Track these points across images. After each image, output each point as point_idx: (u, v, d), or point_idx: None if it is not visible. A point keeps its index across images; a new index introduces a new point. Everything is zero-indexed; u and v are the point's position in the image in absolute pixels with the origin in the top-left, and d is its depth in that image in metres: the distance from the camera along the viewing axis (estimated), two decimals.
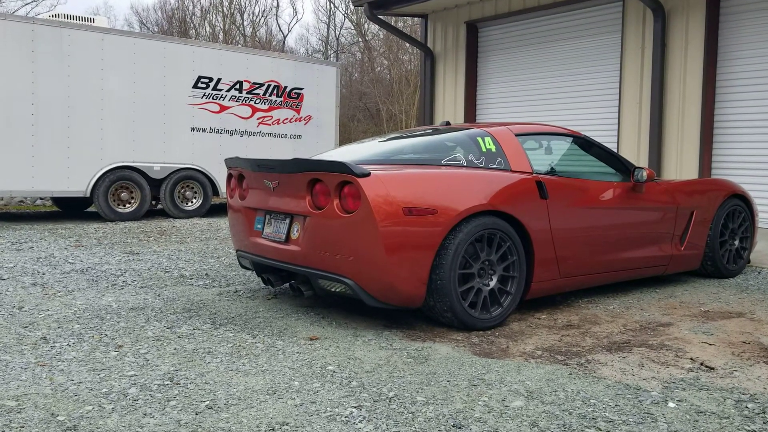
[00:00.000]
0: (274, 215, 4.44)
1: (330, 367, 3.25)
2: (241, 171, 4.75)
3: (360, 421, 2.61)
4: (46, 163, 9.56)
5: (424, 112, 14.04)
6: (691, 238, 5.54)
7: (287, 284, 4.39)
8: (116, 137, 10.22)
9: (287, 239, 4.28)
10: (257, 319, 4.23)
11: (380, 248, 3.77)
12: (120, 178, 10.21)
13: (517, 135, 4.77)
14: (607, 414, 2.76)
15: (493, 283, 4.22)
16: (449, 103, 13.38)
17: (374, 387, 2.99)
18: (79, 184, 9.87)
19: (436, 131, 4.98)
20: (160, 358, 3.34)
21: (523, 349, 3.72)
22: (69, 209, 11.66)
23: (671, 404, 2.89)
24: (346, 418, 2.63)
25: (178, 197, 10.83)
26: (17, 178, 9.39)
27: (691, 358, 3.59)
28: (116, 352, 3.44)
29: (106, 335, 3.75)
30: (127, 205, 10.37)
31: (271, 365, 3.26)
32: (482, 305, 4.15)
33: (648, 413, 2.79)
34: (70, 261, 6.21)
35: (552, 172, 5.05)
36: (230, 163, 4.86)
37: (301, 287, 4.25)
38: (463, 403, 2.84)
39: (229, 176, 4.94)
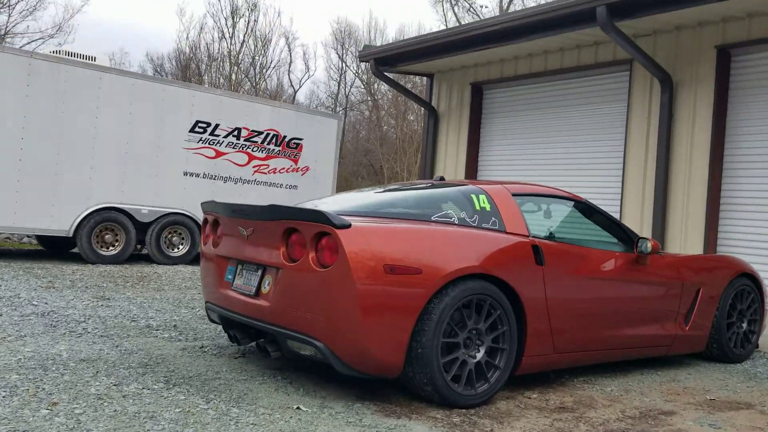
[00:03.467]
0: (246, 266, 4.08)
1: None
2: (216, 216, 4.42)
3: None
4: (30, 199, 9.26)
5: (425, 170, 13.82)
6: (697, 318, 5.16)
7: (255, 343, 4.02)
8: (106, 177, 9.94)
9: (257, 293, 3.91)
10: (217, 380, 3.82)
11: (356, 308, 3.40)
12: (105, 219, 9.88)
13: (514, 195, 4.45)
14: None
15: (480, 355, 3.82)
16: (450, 162, 13.17)
17: None
18: (62, 224, 9.54)
19: (431, 186, 4.67)
20: (95, 421, 2.93)
21: None
22: (54, 248, 11.30)
23: None
24: None
25: (165, 242, 10.48)
26: (6, 216, 9.08)
27: None
28: (47, 411, 3.03)
29: (43, 389, 3.35)
30: (111, 248, 10.01)
31: None
32: (467, 380, 3.75)
33: None
34: (34, 303, 5.82)
35: (550, 236, 4.72)
36: (206, 207, 4.53)
37: (268, 347, 3.85)
38: None
39: (205, 221, 4.61)
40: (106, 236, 9.96)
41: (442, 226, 3.97)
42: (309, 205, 4.36)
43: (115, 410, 3.09)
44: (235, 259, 4.19)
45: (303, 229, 3.63)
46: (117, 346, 4.45)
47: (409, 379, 3.67)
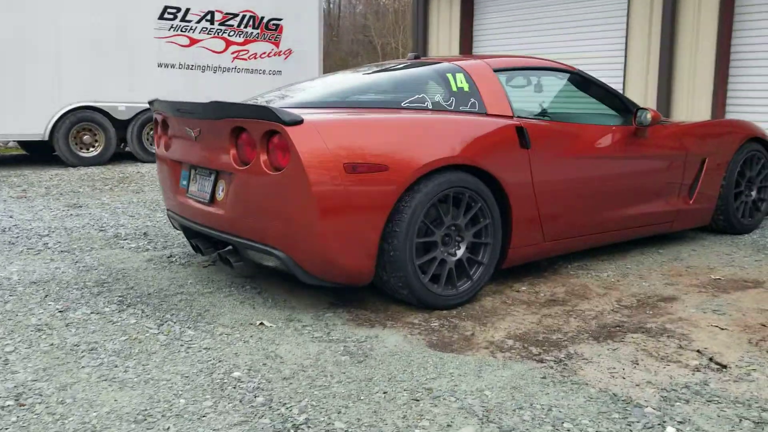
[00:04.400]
0: (199, 170, 3.69)
1: (236, 373, 2.56)
2: (164, 116, 3.98)
3: None
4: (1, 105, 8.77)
5: (417, 45, 13.06)
6: (702, 190, 4.77)
7: (217, 253, 3.71)
8: (75, 75, 9.36)
9: (212, 200, 3.55)
10: (179, 295, 3.54)
11: (315, 214, 3.04)
12: (81, 120, 9.41)
13: (496, 71, 3.95)
14: None
15: (460, 253, 3.49)
16: (443, 35, 12.41)
17: (284, 405, 2.31)
18: (36, 127, 9.09)
19: (404, 66, 4.16)
20: (26, 359, 2.65)
21: (491, 338, 3.03)
22: (37, 153, 10.91)
23: (669, 430, 2.20)
24: None
25: (147, 139, 10.05)
26: None
27: (698, 350, 2.89)
28: None
29: None
30: (91, 149, 9.61)
31: (160, 371, 2.57)
32: (447, 279, 3.44)
33: None
34: None
35: (539, 115, 4.28)
36: (153, 106, 4.08)
37: (229, 258, 3.53)
38: (395, 431, 2.16)
39: (155, 121, 4.17)
40: (85, 137, 9.53)
41: (413, 113, 3.52)
42: (267, 98, 3.90)
43: (51, 344, 2.81)
44: (187, 163, 3.79)
45: (251, 128, 3.21)
46: (76, 262, 4.16)
47: (384, 283, 3.37)
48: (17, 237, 4.79)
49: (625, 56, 9.14)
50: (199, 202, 3.63)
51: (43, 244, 4.59)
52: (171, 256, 4.37)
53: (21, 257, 4.26)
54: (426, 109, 3.62)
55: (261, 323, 3.13)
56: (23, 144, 11.09)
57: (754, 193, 5.20)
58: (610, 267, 4.26)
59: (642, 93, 9.15)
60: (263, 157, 3.17)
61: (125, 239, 4.81)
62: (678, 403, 2.39)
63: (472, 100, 3.75)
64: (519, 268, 4.08)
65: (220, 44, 10.56)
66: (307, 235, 3.10)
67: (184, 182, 3.82)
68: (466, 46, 12.03)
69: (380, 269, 3.30)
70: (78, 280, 3.76)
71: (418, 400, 2.36)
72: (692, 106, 8.57)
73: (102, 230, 5.09)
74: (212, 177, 3.55)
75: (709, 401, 2.41)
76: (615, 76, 9.34)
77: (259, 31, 10.99)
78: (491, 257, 3.59)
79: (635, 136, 4.32)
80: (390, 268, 3.26)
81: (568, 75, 4.36)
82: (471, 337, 3.04)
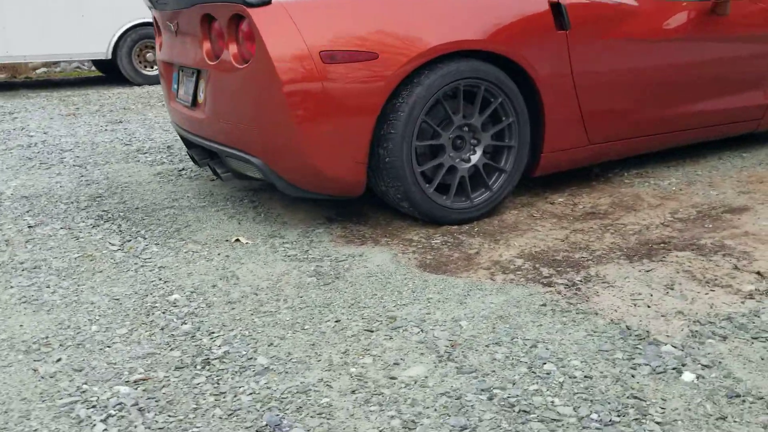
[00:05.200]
0: (184, 71, 3.30)
1: (175, 296, 2.21)
2: (154, 13, 3.59)
3: (101, 420, 1.59)
4: (57, 24, 8.71)
5: None
6: None
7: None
8: None
9: (194, 103, 3.16)
10: (168, 210, 3.23)
11: (288, 114, 2.59)
12: (143, 37, 9.24)
13: None
14: (555, 403, 1.59)
15: (476, 158, 2.95)
16: None
17: (209, 335, 1.94)
18: (98, 46, 9.02)
19: None
20: None
21: (498, 257, 2.52)
22: (111, 74, 10.94)
23: (687, 376, 1.67)
24: (92, 411, 1.62)
25: None
26: (32, 42, 8.65)
27: (758, 272, 2.28)
28: None
29: None
30: (156, 67, 9.47)
31: (92, 293, 2.26)
32: (459, 189, 2.93)
33: (633, 403, 1.59)
34: (32, 134, 5.41)
35: None
36: (146, 2, 3.69)
37: (216, 168, 3.17)
38: (326, 369, 1.75)
39: (154, 21, 3.79)
40: (148, 55, 9.38)
41: None
42: None
43: (1, 261, 2.57)
44: (176, 63, 3.41)
45: (218, 14, 2.76)
46: (82, 176, 3.94)
47: (384, 194, 2.90)
48: (38, 152, 4.65)
49: None
50: (185, 106, 3.26)
51: (59, 159, 4.41)
52: (183, 169, 4.07)
53: (29, 172, 4.09)
54: None
55: (237, 239, 2.77)
56: (98, 65, 11.15)
57: None
58: (675, 174, 3.57)
59: None
60: (233, 49, 2.73)
61: (146, 153, 4.57)
62: (711, 341, 1.83)
63: None
64: (561, 176, 3.49)
65: None
66: (282, 141, 2.66)
67: (175, 86, 3.45)
68: None
69: (377, 178, 2.84)
70: (72, 195, 3.53)
71: (372, 331, 1.93)
72: None
73: (127, 144, 4.87)
74: (194, 77, 3.15)
75: (755, 338, 1.84)
76: None
77: None
78: (516, 163, 3.03)
79: (713, 12, 3.51)
80: (387, 177, 2.79)
81: None
82: (474, 256, 2.55)
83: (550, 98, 3.05)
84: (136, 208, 3.27)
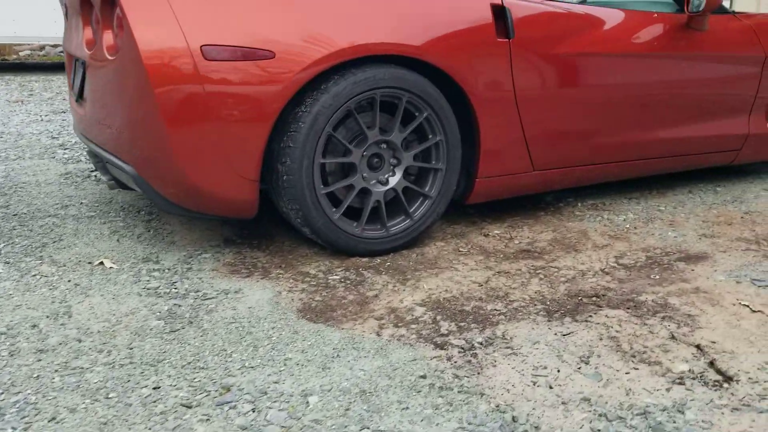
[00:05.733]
0: (77, 62, 2.90)
1: None
2: None
3: None
4: (30, 5, 8.34)
5: None
6: None
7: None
8: None
9: (80, 97, 2.77)
10: (50, 218, 2.84)
11: (160, 120, 2.18)
12: None
13: None
14: None
15: (395, 180, 2.55)
16: None
17: None
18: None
19: None
20: None
21: (398, 303, 2.12)
22: None
23: None
24: None
25: None
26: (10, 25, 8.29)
27: (697, 345, 1.87)
28: None
29: None
30: None
31: None
32: (373, 216, 2.53)
33: None
34: None
35: None
36: None
37: (102, 175, 2.77)
38: None
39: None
40: None
41: None
42: None
43: None
44: (72, 54, 3.01)
45: None
46: None
47: (286, 216, 2.50)
48: None
49: None
50: (75, 100, 2.87)
51: None
52: (95, 170, 3.67)
53: None
54: None
55: (100, 263, 2.37)
56: None
57: None
58: (634, 208, 3.16)
59: None
60: (107, 38, 2.33)
61: (67, 149, 4.16)
62: None
63: None
64: (507, 202, 3.08)
65: None
66: (154, 149, 2.25)
67: (72, 78, 3.06)
68: None
69: (277, 198, 2.44)
70: None
71: (189, 407, 1.52)
72: None
73: (54, 138, 4.47)
74: (81, 69, 2.75)
75: None
76: None
77: None
78: (443, 189, 2.62)
79: (688, 27, 3.11)
80: (285, 197, 2.38)
81: None
82: (370, 300, 2.14)
83: (487, 116, 2.64)
84: (15, 215, 2.87)
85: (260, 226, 2.78)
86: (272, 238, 2.69)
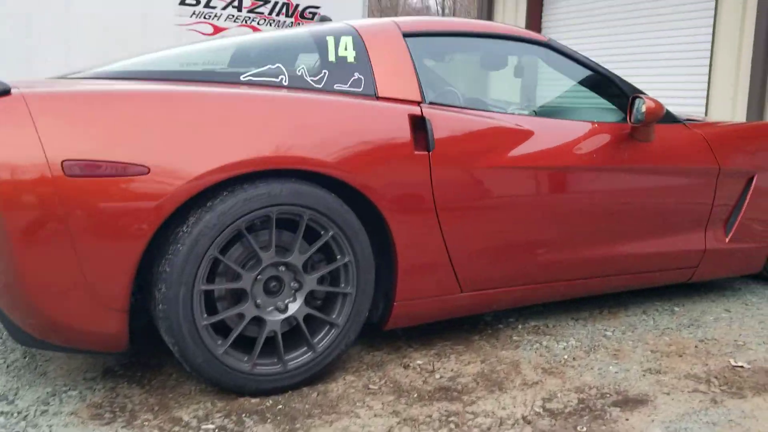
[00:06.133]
0: None
1: None
2: None
3: None
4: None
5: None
6: (747, 221, 3.25)
7: None
8: (86, 60, 8.72)
9: None
10: None
11: (8, 242, 1.91)
12: None
13: (408, 35, 2.68)
14: None
15: (295, 307, 2.26)
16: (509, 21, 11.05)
17: None
18: None
19: (291, 30, 2.98)
20: None
21: None
22: None
23: None
24: None
25: None
26: None
27: None
28: None
29: None
30: None
31: None
32: (265, 348, 2.23)
33: None
34: None
35: (468, 102, 3.00)
36: None
37: None
38: None
39: None
40: None
41: (231, 88, 2.32)
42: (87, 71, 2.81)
43: None
44: None
45: None
46: None
47: (169, 347, 2.20)
48: None
49: (712, 47, 7.51)
50: None
51: None
52: None
53: None
54: (276, 86, 2.42)
55: None
56: None
57: None
58: (579, 332, 2.87)
59: (729, 94, 7.50)
60: None
61: None
62: None
63: (357, 75, 2.51)
64: (443, 322, 2.79)
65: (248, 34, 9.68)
66: (4, 276, 1.98)
67: None
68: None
69: (158, 327, 2.14)
70: None
71: None
72: None
73: None
74: None
75: None
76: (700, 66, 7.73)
77: (293, 20, 10.02)
78: (353, 315, 2.33)
79: (632, 138, 2.90)
80: (162, 328, 2.09)
81: (529, 46, 2.98)
82: None
83: (404, 234, 2.39)
84: None
85: (153, 352, 2.47)
86: (160, 368, 2.37)
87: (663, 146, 2.98)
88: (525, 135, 2.66)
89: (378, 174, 2.32)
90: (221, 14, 9.59)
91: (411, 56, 2.62)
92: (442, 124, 2.49)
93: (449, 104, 2.69)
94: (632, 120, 2.81)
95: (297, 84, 2.45)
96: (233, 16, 9.67)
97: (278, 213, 2.16)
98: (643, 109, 2.74)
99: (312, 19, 10.26)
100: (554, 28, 10.47)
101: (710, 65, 7.83)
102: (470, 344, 2.70)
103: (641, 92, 2.97)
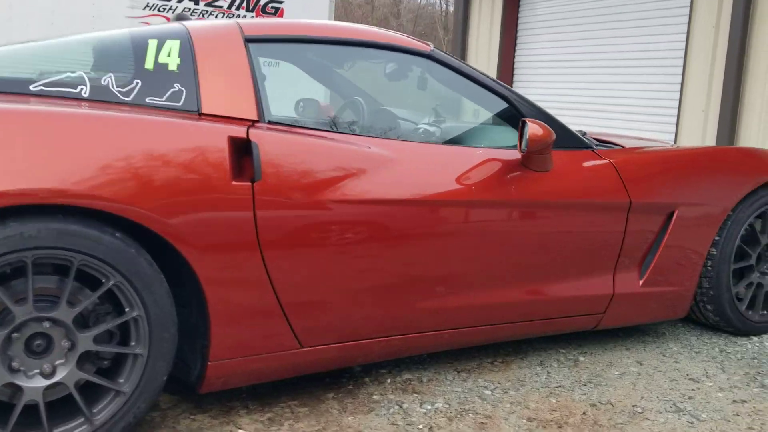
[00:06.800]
0: None
1: None
2: None
3: None
4: None
5: (455, 39, 11.40)
6: (665, 262, 2.83)
7: None
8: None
9: None
10: None
11: None
12: None
13: (250, 40, 2.27)
14: None
15: (64, 371, 1.85)
16: (484, 31, 10.67)
17: None
18: None
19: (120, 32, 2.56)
20: None
21: None
22: None
23: None
24: None
25: None
26: None
27: None
28: None
29: None
30: None
31: None
32: (28, 420, 1.82)
33: None
34: None
35: (331, 125, 2.60)
36: None
37: None
38: None
39: None
40: None
41: (15, 102, 1.91)
42: None
43: None
44: None
45: None
46: None
47: None
48: None
49: (685, 56, 7.13)
50: None
51: None
52: None
53: None
54: (71, 97, 2.01)
55: None
56: None
57: None
58: (455, 390, 2.46)
59: (700, 119, 7.13)
60: None
61: None
62: None
63: (178, 86, 2.11)
64: (303, 377, 2.38)
65: None
66: None
67: None
68: (509, 43, 10.24)
69: None
70: None
71: None
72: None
73: None
74: None
75: None
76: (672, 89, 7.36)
77: (254, 14, 9.60)
78: (145, 380, 1.92)
79: (525, 167, 2.49)
80: None
81: (408, 57, 2.56)
82: None
83: (217, 281, 1.98)
84: None
85: None
86: None
87: (562, 177, 2.57)
88: (384, 162, 2.24)
89: (179, 210, 1.91)
90: (177, 7, 9.18)
91: (252, 66, 2.21)
92: (275, 149, 2.08)
93: (296, 125, 2.27)
94: (522, 147, 2.40)
95: (99, 96, 2.04)
96: (190, 9, 9.26)
97: (36, 258, 1.75)
98: (526, 135, 2.32)
99: (276, 13, 9.85)
100: (529, 31, 10.11)
101: (683, 72, 7.45)
102: (317, 405, 2.29)
103: (544, 112, 2.57)
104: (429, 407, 2.32)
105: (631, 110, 8.30)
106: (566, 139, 2.68)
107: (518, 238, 2.50)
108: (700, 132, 7.25)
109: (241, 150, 2.03)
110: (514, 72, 10.40)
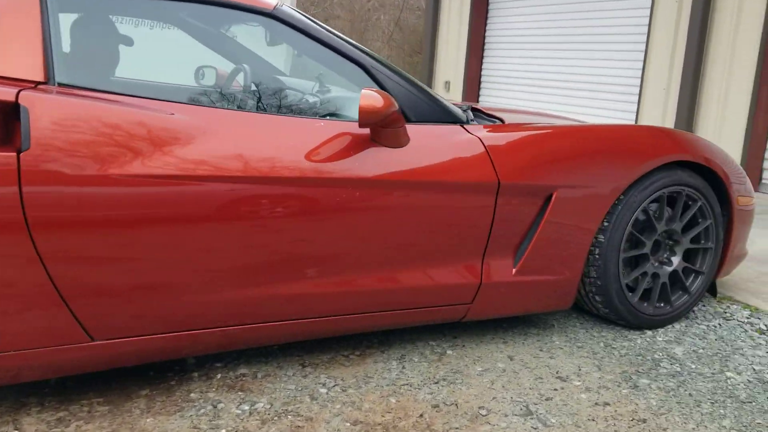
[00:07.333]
0: None
1: None
2: None
3: None
4: None
5: (424, 65, 11.12)
6: (542, 250, 2.59)
7: None
8: None
9: None
10: None
11: None
12: None
13: None
14: None
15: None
16: (455, 13, 10.38)
17: None
18: None
19: None
20: None
21: None
22: None
23: None
24: None
25: None
26: None
27: None
28: None
29: None
30: None
31: None
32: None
33: None
34: None
35: (141, 89, 2.34)
36: None
37: None
38: None
39: None
40: None
41: None
42: None
43: None
44: None
45: None
46: None
47: None
48: None
49: (649, 32, 6.89)
50: None
51: None
52: None
53: None
54: None
55: None
56: None
57: (676, 261, 2.91)
58: (287, 387, 2.23)
59: (660, 106, 6.89)
60: None
61: None
62: None
63: None
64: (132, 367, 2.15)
65: None
66: None
67: None
68: (479, 27, 9.98)
69: None
70: None
71: None
72: (720, 133, 6.27)
73: None
74: None
75: None
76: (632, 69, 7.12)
77: None
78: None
79: (375, 143, 2.24)
80: None
81: (246, 15, 2.28)
82: None
83: None
84: None
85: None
86: None
87: (419, 153, 2.32)
88: (191, 132, 1.99)
89: None
90: None
91: (45, 18, 1.94)
92: (51, 115, 1.82)
93: (92, 89, 2.00)
94: (361, 122, 2.14)
95: None
96: None
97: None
98: (359, 106, 2.06)
99: None
100: (499, 15, 9.85)
101: (646, 49, 7.24)
102: (122, 404, 2.07)
103: (408, 80, 2.32)
104: (247, 408, 2.09)
105: (595, 87, 8.06)
106: (432, 112, 2.42)
107: (366, 221, 2.25)
108: (661, 109, 7.02)
109: (9, 115, 1.78)
110: (485, 49, 10.13)
